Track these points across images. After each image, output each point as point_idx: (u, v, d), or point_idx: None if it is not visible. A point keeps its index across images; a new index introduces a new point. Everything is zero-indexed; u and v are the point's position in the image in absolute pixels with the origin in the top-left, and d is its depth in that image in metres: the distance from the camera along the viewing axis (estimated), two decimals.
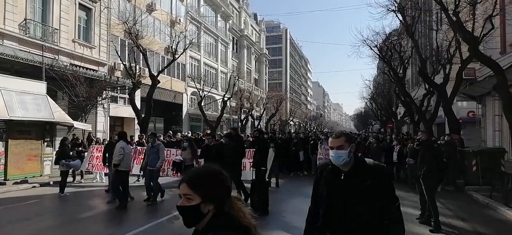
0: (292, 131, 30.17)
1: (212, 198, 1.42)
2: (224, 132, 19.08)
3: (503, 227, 6.92)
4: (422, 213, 7.16)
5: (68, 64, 17.49)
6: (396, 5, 15.08)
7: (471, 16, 11.42)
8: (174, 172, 9.99)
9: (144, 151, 10.84)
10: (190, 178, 1.45)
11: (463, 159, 11.39)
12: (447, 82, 14.72)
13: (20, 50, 15.63)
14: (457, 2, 11.22)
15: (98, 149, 12.16)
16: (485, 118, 16.51)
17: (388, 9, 15.13)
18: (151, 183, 8.72)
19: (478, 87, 14.59)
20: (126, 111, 22.71)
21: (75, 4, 19.88)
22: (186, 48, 22.40)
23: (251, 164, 8.40)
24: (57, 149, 11.38)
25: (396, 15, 15.45)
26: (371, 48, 18.96)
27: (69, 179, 11.37)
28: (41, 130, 13.47)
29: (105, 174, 11.93)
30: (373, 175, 2.39)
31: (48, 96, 14.01)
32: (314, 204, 2.63)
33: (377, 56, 20.35)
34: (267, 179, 7.96)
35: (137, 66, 18.87)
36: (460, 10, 11.38)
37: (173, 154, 11.25)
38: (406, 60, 20.10)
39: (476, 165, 10.66)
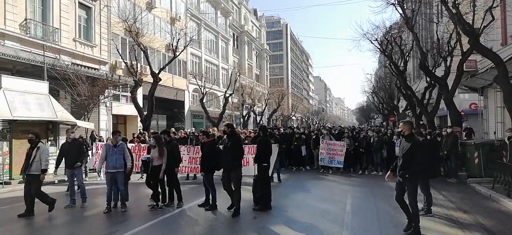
0: (294, 126, 30.18)
1: None
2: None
3: (505, 219, 6.94)
4: (426, 205, 7.04)
5: (70, 63, 17.56)
6: None
7: (471, 8, 11.36)
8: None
9: (146, 148, 10.87)
10: None
11: (466, 151, 11.40)
12: (448, 75, 14.69)
13: (22, 50, 15.70)
14: None
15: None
16: (487, 110, 16.47)
17: (387, 2, 15.10)
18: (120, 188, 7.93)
19: (479, 79, 14.56)
20: (128, 109, 22.79)
21: (75, 3, 19.91)
22: (187, 46, 22.44)
23: (254, 159, 8.34)
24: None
25: (396, 8, 15.42)
26: (371, 42, 18.96)
27: None
28: (44, 129, 13.55)
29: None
30: None
31: (50, 96, 14.07)
32: None
33: (378, 49, 20.34)
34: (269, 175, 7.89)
35: (138, 64, 18.92)
36: (460, 2, 11.34)
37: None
38: (406, 54, 20.04)
39: (478, 157, 10.66)
